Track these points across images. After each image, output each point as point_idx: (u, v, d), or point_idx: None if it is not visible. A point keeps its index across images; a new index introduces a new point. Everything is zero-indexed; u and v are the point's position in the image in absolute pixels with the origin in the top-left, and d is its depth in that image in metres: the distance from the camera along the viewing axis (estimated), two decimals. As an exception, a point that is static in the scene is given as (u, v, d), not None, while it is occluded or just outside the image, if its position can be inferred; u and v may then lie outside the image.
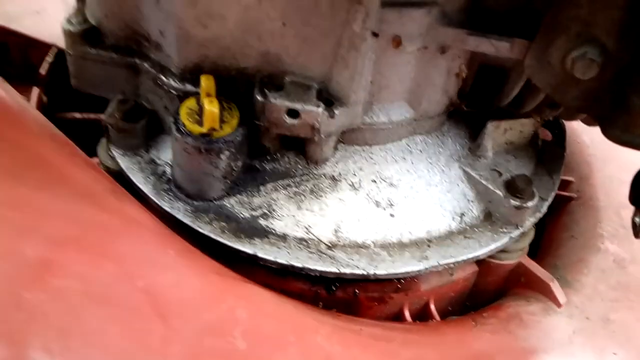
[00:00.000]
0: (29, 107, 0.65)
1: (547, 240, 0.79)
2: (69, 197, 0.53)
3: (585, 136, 0.90)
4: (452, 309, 0.71)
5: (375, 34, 0.53)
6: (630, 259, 0.75)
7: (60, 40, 0.67)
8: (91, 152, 0.73)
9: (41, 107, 0.78)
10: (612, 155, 0.88)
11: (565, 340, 0.63)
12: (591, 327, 0.65)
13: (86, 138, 0.80)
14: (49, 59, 0.80)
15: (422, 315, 0.68)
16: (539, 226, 0.80)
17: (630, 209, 0.63)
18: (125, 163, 0.65)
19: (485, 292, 0.71)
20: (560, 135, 0.77)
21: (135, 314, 0.47)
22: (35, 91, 0.77)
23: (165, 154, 0.66)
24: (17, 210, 0.50)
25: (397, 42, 0.55)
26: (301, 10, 0.53)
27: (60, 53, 0.81)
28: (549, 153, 0.74)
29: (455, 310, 0.71)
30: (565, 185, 0.84)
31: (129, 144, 0.66)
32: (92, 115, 0.79)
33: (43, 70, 0.78)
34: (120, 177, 0.65)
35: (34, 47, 0.84)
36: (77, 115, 0.79)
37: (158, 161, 0.66)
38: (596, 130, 0.87)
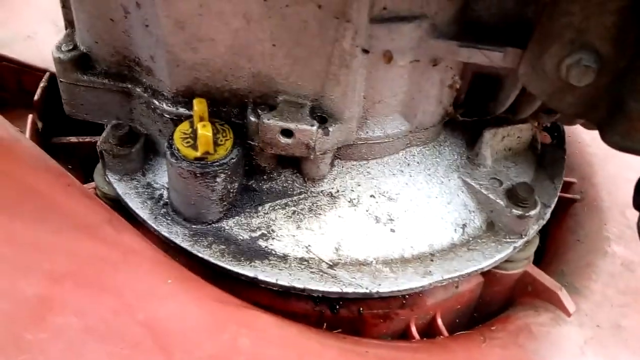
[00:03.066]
0: (23, 138, 0.64)
1: (552, 245, 0.78)
2: (65, 230, 0.53)
3: (586, 135, 0.89)
4: (459, 321, 0.70)
5: (365, 51, 0.53)
6: (639, 261, 0.73)
7: (53, 65, 0.67)
8: (88, 176, 0.73)
9: (36, 132, 0.77)
10: (613, 153, 0.86)
11: (576, 351, 0.62)
12: (602, 335, 0.64)
13: (83, 161, 0.79)
14: (42, 84, 0.80)
15: (429, 330, 0.67)
16: (543, 230, 0.79)
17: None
18: (122, 188, 0.65)
19: (492, 303, 0.70)
20: (559, 137, 0.76)
21: (137, 349, 0.47)
22: (30, 117, 0.77)
23: (162, 177, 0.66)
24: (13, 246, 0.50)
25: (388, 57, 0.54)
26: (290, 30, 0.52)
27: (53, 78, 0.80)
28: (549, 157, 0.73)
29: (462, 322, 0.70)
30: (567, 186, 0.83)
31: (125, 169, 0.65)
32: (87, 139, 0.79)
33: (37, 95, 0.78)
34: (117, 203, 0.65)
35: (27, 72, 0.84)
36: (73, 139, 0.79)
37: (155, 185, 0.65)
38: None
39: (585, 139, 0.89)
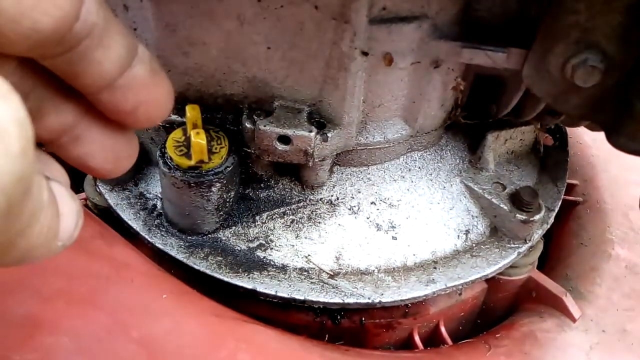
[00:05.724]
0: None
1: (555, 249, 0.77)
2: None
3: (587, 136, 0.88)
4: (463, 328, 0.68)
5: (365, 53, 0.51)
6: (643, 263, 0.72)
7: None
8: (79, 186, 0.70)
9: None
10: (615, 154, 0.85)
11: (582, 357, 0.60)
12: (608, 341, 0.63)
13: (73, 171, 0.77)
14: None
15: (432, 338, 0.65)
16: (546, 233, 0.78)
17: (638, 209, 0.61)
18: (113, 199, 0.62)
19: (496, 309, 0.69)
20: (562, 139, 0.74)
21: (131, 368, 0.45)
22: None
23: (155, 187, 0.63)
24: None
25: (388, 59, 0.52)
26: (286, 32, 0.50)
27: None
28: (551, 159, 0.71)
29: (466, 330, 0.69)
30: (570, 189, 0.82)
31: (117, 179, 0.63)
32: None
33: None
34: (109, 214, 0.63)
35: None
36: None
37: (148, 195, 0.63)
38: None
39: (586, 141, 0.88)
